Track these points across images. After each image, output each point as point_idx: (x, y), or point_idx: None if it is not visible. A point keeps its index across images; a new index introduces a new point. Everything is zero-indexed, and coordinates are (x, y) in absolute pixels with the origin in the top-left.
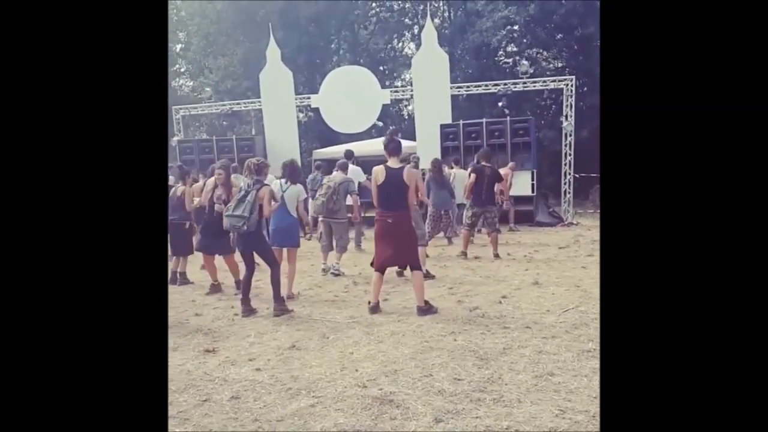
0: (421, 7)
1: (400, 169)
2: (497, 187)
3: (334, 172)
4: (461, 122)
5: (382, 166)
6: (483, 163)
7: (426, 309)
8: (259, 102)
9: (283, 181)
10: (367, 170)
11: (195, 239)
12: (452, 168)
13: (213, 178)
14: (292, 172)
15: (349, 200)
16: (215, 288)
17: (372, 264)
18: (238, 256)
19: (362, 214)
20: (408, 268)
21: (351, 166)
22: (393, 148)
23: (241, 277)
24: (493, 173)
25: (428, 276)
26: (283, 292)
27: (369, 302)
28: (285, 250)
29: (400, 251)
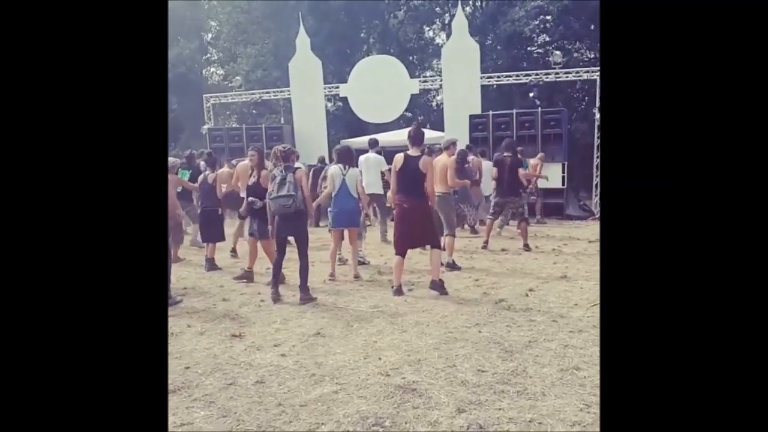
0: None
1: (418, 157)
2: (521, 174)
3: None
4: (491, 113)
5: (402, 154)
6: (505, 154)
7: (439, 285)
8: (289, 91)
9: (341, 165)
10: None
11: (246, 225)
12: (478, 158)
13: (247, 162)
14: (346, 156)
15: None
16: (248, 275)
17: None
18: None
19: (389, 204)
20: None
21: (374, 155)
22: (415, 137)
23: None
24: (514, 162)
25: (454, 267)
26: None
27: (392, 285)
28: (346, 231)
29: (416, 234)
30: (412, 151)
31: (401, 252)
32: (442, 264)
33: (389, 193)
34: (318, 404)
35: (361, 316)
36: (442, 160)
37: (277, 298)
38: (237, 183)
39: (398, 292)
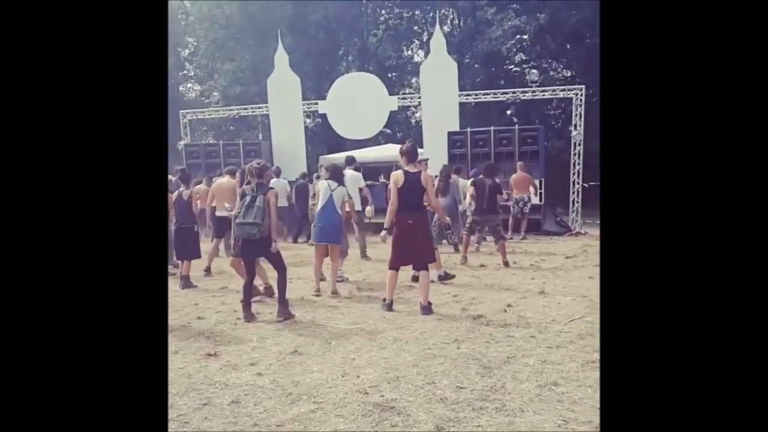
0: (431, 14)
1: (418, 173)
2: (500, 198)
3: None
4: (469, 130)
5: (400, 171)
6: (482, 176)
7: (428, 309)
8: (267, 107)
9: (330, 182)
10: (372, 176)
11: (232, 245)
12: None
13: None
14: (335, 174)
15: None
16: (268, 291)
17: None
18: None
19: (368, 219)
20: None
21: (351, 172)
22: (410, 153)
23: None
24: (493, 186)
25: (448, 276)
26: (324, 287)
27: (384, 299)
28: (329, 246)
29: (418, 252)
30: (410, 168)
31: (396, 267)
32: (433, 281)
33: (368, 208)
34: (295, 424)
35: (340, 333)
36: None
37: (249, 318)
38: (212, 201)
39: (390, 306)
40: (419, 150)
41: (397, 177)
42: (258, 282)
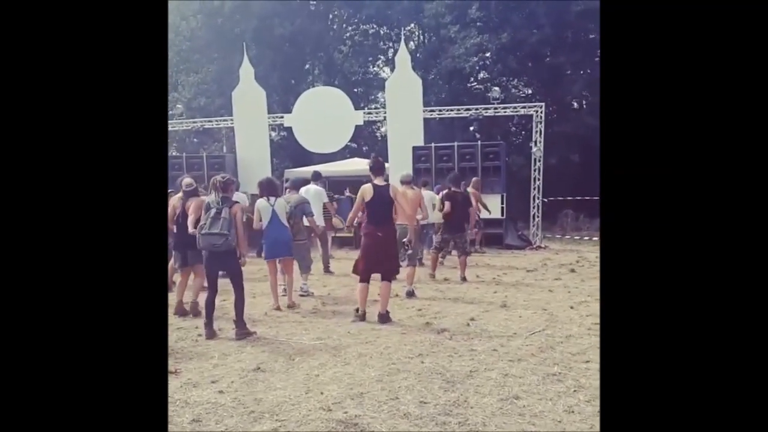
0: (396, 31)
1: (386, 186)
2: (471, 210)
3: (287, 194)
4: (433, 145)
5: (369, 185)
6: (453, 188)
7: (386, 317)
8: (232, 120)
9: (267, 197)
10: (338, 190)
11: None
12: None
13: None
14: (270, 188)
15: (306, 221)
16: (194, 308)
17: (354, 271)
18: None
19: (334, 234)
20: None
21: (315, 187)
22: (377, 168)
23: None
24: (464, 199)
25: (413, 295)
26: (280, 303)
27: (357, 310)
28: (279, 261)
29: (385, 262)
30: (378, 181)
31: (365, 278)
32: (396, 295)
33: (335, 220)
34: None
35: (303, 350)
36: (408, 193)
37: (211, 335)
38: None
39: (363, 317)
40: (385, 164)
41: (364, 191)
42: (186, 297)
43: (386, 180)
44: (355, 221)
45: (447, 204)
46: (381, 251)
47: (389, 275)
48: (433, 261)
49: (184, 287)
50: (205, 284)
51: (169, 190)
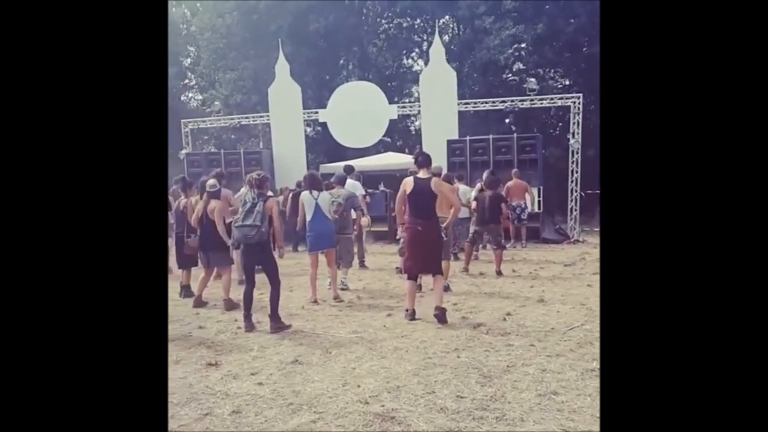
0: (430, 24)
1: (428, 179)
2: (503, 207)
3: (336, 188)
4: (468, 138)
5: (411, 177)
6: (485, 189)
7: (443, 313)
8: (268, 116)
9: (311, 191)
10: (372, 184)
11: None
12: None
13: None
14: (313, 182)
15: (354, 214)
16: (227, 303)
17: (399, 270)
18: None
19: (366, 229)
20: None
21: (350, 180)
22: (422, 160)
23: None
24: (495, 197)
25: (447, 289)
26: (322, 295)
27: (406, 310)
28: (322, 254)
29: (427, 258)
30: (421, 173)
31: (413, 276)
32: (431, 290)
33: (364, 219)
34: None
35: (340, 343)
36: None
37: (250, 327)
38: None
39: (412, 315)
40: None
41: (407, 183)
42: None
43: (434, 173)
44: (402, 214)
45: (473, 203)
46: (421, 247)
47: (437, 269)
48: (467, 254)
49: (205, 283)
50: (243, 277)
51: (173, 188)
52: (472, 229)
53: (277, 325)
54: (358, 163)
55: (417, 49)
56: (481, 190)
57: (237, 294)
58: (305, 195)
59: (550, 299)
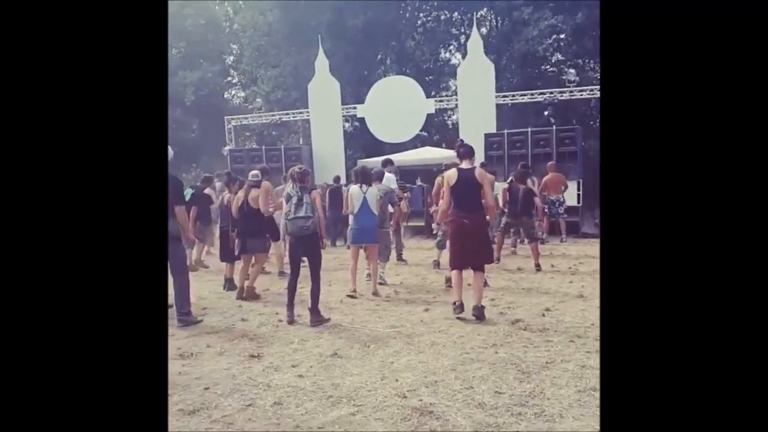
0: (468, 16)
1: (472, 169)
2: (535, 201)
3: (374, 183)
4: (506, 131)
5: (454, 169)
6: (517, 182)
7: (481, 311)
8: (307, 112)
9: (361, 184)
10: (409, 179)
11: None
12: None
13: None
14: (364, 176)
15: (390, 209)
16: (250, 292)
17: (436, 265)
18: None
19: (404, 223)
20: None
21: (387, 174)
22: (465, 151)
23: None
24: (527, 192)
25: (484, 284)
26: (360, 288)
27: (454, 302)
28: (363, 248)
29: (472, 253)
30: (464, 164)
31: (457, 267)
32: (469, 284)
33: (404, 203)
34: (335, 426)
35: (378, 337)
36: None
37: (291, 318)
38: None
39: (460, 308)
40: (453, 152)
41: (450, 176)
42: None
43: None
44: (445, 209)
45: (506, 195)
46: (467, 239)
47: (480, 264)
48: (498, 243)
49: (245, 273)
50: (284, 269)
51: (216, 182)
52: (503, 220)
53: (317, 318)
54: (396, 158)
55: (455, 42)
56: (511, 182)
57: (278, 287)
58: (354, 188)
59: (590, 294)
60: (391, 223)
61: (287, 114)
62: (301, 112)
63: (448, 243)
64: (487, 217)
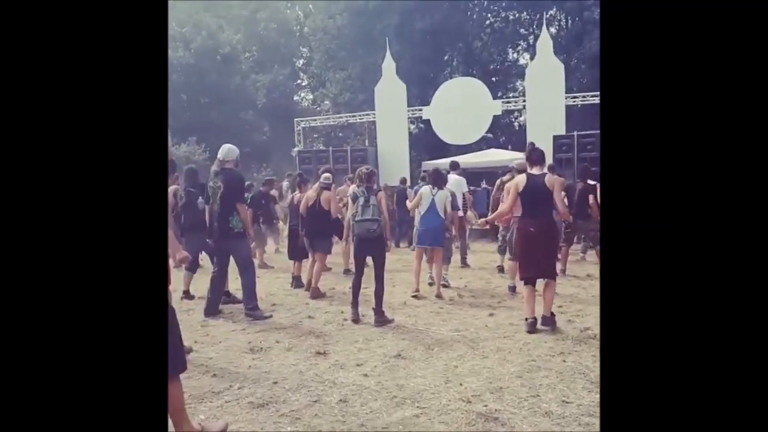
0: (538, 16)
1: (542, 175)
2: (591, 200)
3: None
4: (576, 133)
5: (523, 175)
6: (578, 180)
7: (552, 321)
8: (374, 114)
9: (430, 187)
10: (475, 182)
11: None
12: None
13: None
14: (437, 178)
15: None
16: (315, 292)
17: (500, 269)
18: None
19: (472, 224)
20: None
21: (455, 176)
22: (536, 157)
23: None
24: (583, 189)
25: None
26: (425, 290)
27: (526, 319)
28: (429, 249)
29: (542, 262)
30: (534, 170)
31: (531, 281)
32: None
33: (470, 213)
34: (399, 427)
35: (442, 340)
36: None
37: (356, 317)
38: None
39: (532, 326)
40: (522, 155)
41: (518, 181)
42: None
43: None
44: (508, 216)
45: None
46: (538, 249)
47: (552, 274)
48: (563, 255)
49: (313, 270)
50: (352, 268)
51: (284, 182)
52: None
53: (381, 318)
54: (460, 160)
55: (523, 43)
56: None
57: (343, 286)
58: (425, 189)
59: None
60: (452, 226)
61: (354, 116)
62: (367, 114)
63: (508, 249)
64: (561, 223)
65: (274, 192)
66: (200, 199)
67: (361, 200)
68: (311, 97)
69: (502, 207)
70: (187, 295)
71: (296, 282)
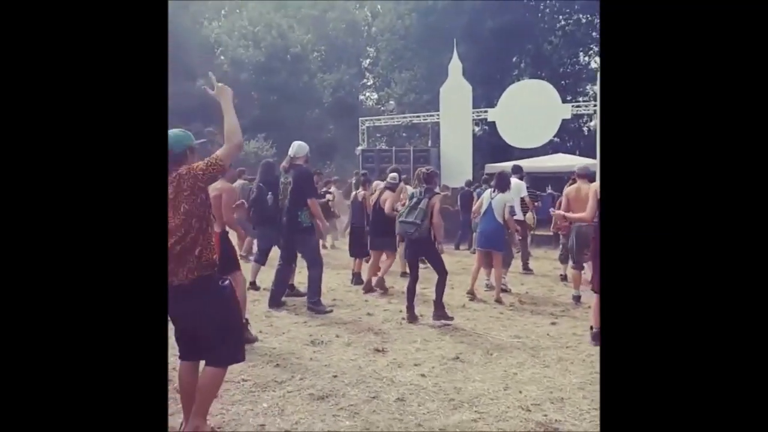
0: None
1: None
2: None
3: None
4: None
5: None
6: None
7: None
8: (438, 115)
9: (491, 189)
10: (540, 187)
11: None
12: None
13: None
14: (501, 182)
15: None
16: (379, 283)
17: (563, 278)
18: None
19: (530, 231)
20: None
21: (515, 180)
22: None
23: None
24: None
25: (578, 300)
26: (482, 293)
27: (591, 327)
28: (492, 253)
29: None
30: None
31: (595, 288)
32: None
33: (528, 215)
34: (457, 430)
35: (501, 345)
36: (582, 189)
37: (413, 318)
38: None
39: (596, 338)
40: (591, 161)
41: (596, 186)
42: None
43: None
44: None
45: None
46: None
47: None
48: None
49: (374, 270)
50: (407, 270)
51: (352, 180)
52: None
53: (440, 313)
54: (526, 164)
55: (595, 46)
56: None
57: (401, 286)
58: (486, 192)
59: None
60: (510, 231)
61: (418, 116)
62: (431, 115)
63: (570, 257)
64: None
65: (333, 190)
66: (269, 195)
67: (413, 201)
68: (376, 96)
69: (588, 212)
70: (254, 285)
71: (356, 278)
